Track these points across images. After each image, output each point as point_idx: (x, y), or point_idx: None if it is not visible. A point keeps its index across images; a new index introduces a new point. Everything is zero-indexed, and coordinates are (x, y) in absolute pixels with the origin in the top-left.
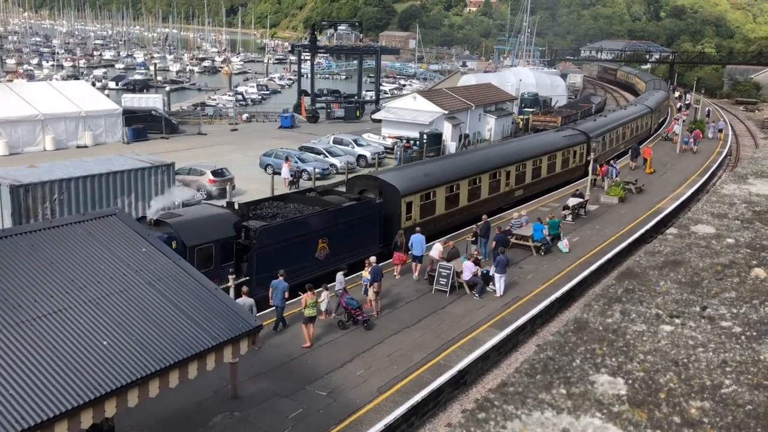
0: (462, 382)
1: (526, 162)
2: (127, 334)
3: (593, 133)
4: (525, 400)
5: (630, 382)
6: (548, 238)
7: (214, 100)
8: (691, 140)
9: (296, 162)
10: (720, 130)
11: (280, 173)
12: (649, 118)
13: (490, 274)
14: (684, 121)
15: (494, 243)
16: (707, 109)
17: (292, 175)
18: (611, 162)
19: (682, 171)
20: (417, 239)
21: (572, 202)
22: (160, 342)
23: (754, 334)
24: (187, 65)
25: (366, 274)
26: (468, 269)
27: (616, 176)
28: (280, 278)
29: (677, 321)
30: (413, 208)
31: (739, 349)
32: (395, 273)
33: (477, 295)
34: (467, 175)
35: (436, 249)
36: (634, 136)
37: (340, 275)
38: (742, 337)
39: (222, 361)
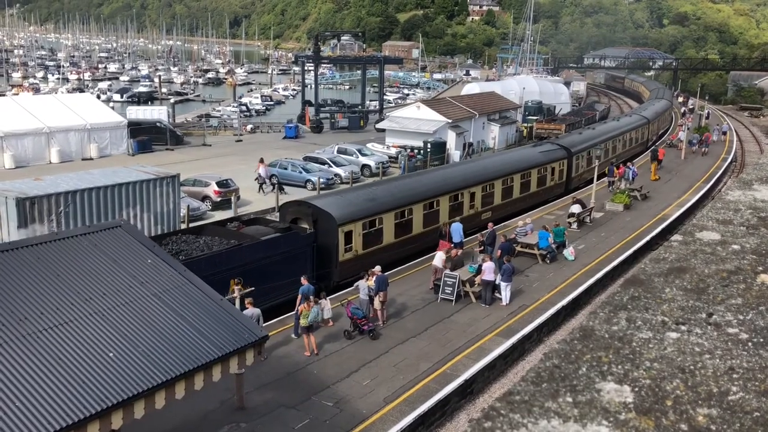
0: (469, 391)
1: (495, 181)
2: (133, 346)
3: (576, 148)
4: (531, 409)
5: (636, 389)
6: (554, 246)
7: (219, 111)
8: (704, 142)
9: (299, 169)
10: (724, 133)
11: (284, 184)
12: (646, 129)
13: (497, 282)
14: (689, 128)
15: (499, 252)
16: (707, 111)
17: (270, 177)
18: (628, 164)
19: (687, 177)
20: (455, 227)
21: (575, 209)
22: (166, 353)
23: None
24: (192, 77)
25: (370, 283)
26: (489, 270)
27: (633, 177)
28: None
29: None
30: (354, 237)
31: (746, 355)
32: (444, 258)
33: (485, 303)
34: (422, 198)
35: (439, 258)
36: (627, 149)
37: (362, 282)
38: (749, 343)
39: (228, 372)
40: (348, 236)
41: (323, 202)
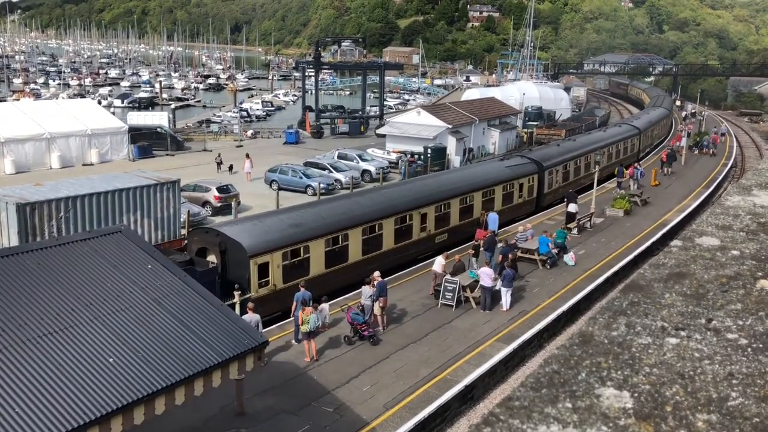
0: (469, 397)
1: (451, 200)
2: (133, 351)
3: (548, 162)
4: (531, 414)
5: (636, 395)
6: (554, 251)
7: (219, 116)
8: (710, 144)
9: (299, 175)
10: (722, 135)
11: (285, 189)
12: (636, 140)
13: (496, 288)
14: (689, 134)
15: (501, 257)
16: (704, 114)
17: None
18: (636, 165)
19: (687, 183)
20: (492, 217)
21: (572, 209)
22: (166, 359)
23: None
24: (192, 83)
25: (371, 289)
26: (487, 275)
27: (641, 177)
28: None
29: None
30: (271, 270)
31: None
32: (444, 264)
33: (485, 309)
34: (361, 222)
35: (439, 263)
36: (612, 162)
37: (366, 288)
38: (749, 349)
39: (228, 378)
40: (263, 269)
41: (234, 229)
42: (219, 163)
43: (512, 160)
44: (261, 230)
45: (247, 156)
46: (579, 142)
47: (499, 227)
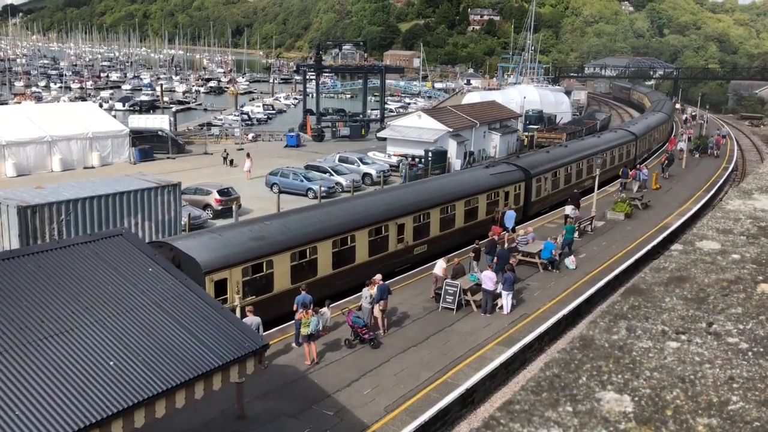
0: (470, 400)
1: (431, 210)
2: (134, 355)
3: (536, 170)
4: (531, 418)
5: (636, 399)
6: (556, 255)
7: (220, 120)
8: (714, 146)
9: (300, 178)
10: (723, 136)
11: (286, 192)
12: (632, 146)
13: (498, 291)
14: (690, 138)
15: (497, 259)
16: (705, 117)
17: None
18: (640, 167)
19: (688, 186)
20: (509, 215)
21: (568, 210)
22: (166, 362)
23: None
24: (193, 86)
25: (371, 291)
26: (489, 279)
27: (645, 179)
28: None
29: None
30: (230, 287)
31: (746, 365)
32: (445, 267)
33: (486, 312)
34: (331, 234)
35: (440, 266)
36: (607, 170)
37: (365, 290)
38: (749, 353)
39: (228, 381)
40: (220, 286)
41: (189, 243)
42: (225, 158)
43: (497, 167)
44: (219, 244)
45: (248, 155)
46: (571, 148)
47: (484, 237)
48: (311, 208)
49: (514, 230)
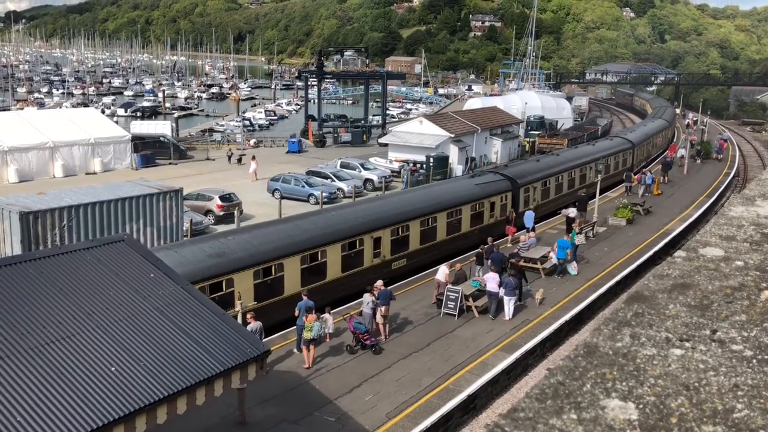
0: (472, 407)
1: (410, 222)
2: (136, 361)
3: (523, 179)
4: (536, 426)
5: (641, 406)
6: (570, 255)
7: (222, 126)
8: (718, 149)
9: (302, 184)
10: (725, 140)
11: (288, 198)
12: (629, 154)
13: (500, 295)
14: (692, 144)
15: (490, 261)
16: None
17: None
18: (644, 170)
19: (689, 192)
20: (528, 215)
21: (571, 212)
22: (168, 368)
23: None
24: (195, 92)
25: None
26: (493, 279)
27: (651, 182)
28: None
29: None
30: None
31: (750, 372)
32: (447, 273)
33: (493, 315)
34: (299, 249)
35: (442, 272)
36: (602, 178)
37: (367, 296)
38: (754, 360)
39: (230, 387)
40: None
41: None
42: (230, 156)
43: (483, 177)
44: (174, 262)
45: (253, 158)
46: (562, 156)
47: (470, 249)
48: (280, 221)
49: (534, 230)
